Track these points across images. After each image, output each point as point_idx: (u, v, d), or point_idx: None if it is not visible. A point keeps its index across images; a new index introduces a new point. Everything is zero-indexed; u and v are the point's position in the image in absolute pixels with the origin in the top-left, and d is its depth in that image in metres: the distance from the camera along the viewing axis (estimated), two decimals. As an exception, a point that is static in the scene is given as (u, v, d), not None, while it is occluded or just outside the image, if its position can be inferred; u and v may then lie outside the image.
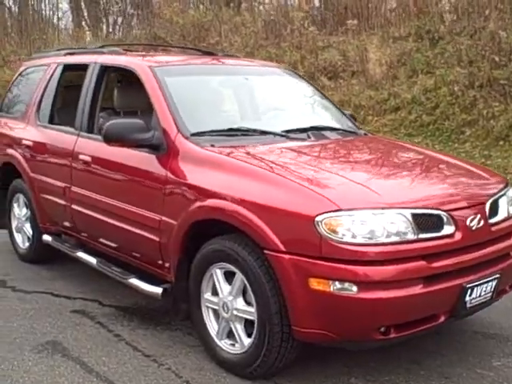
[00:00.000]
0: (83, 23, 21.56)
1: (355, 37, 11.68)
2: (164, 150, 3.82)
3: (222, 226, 3.40)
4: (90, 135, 4.57)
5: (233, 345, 3.46)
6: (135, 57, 4.64)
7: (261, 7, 14.70)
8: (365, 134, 4.58)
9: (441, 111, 9.28)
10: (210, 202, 3.41)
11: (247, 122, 4.23)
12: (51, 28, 19.44)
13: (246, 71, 4.77)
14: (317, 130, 4.17)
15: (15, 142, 5.42)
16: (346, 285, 2.94)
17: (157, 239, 3.82)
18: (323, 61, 11.25)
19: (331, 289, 2.96)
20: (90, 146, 4.49)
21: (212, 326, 3.56)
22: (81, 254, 4.68)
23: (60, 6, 21.85)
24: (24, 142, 5.26)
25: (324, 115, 4.67)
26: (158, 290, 3.87)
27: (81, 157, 4.51)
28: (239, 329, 3.39)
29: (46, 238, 5.10)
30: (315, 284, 2.98)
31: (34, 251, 5.38)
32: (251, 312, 3.29)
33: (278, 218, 3.10)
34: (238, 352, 3.40)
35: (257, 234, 3.14)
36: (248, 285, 3.27)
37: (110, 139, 3.90)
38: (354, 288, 2.94)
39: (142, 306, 4.50)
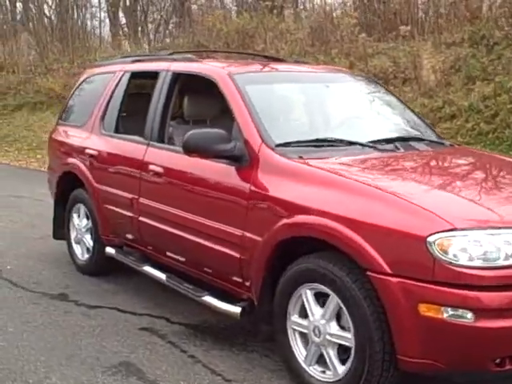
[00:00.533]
0: (120, 32, 21.66)
1: (406, 43, 11.39)
2: (246, 161, 3.62)
3: (313, 243, 3.17)
4: (162, 145, 4.40)
5: (323, 372, 3.22)
6: (212, 64, 4.45)
7: (305, 13, 14.42)
8: (450, 145, 4.31)
9: (501, 119, 8.93)
10: (303, 217, 3.18)
11: (331, 132, 3.99)
12: (92, 36, 19.57)
13: (323, 78, 4.55)
14: (403, 141, 3.92)
15: (77, 152, 5.27)
16: (460, 312, 2.69)
17: (237, 255, 3.61)
18: (373, 67, 10.98)
19: (443, 315, 2.71)
20: (162, 157, 4.31)
21: (299, 351, 3.32)
22: (148, 269, 4.50)
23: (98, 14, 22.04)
24: (88, 151, 5.10)
25: (407, 124, 4.40)
26: (237, 309, 3.67)
27: (151, 167, 4.33)
28: (332, 355, 3.15)
29: (110, 250, 4.93)
30: (425, 310, 2.73)
31: (95, 263, 5.22)
32: (347, 338, 3.05)
33: (382, 237, 2.86)
34: (331, 380, 3.15)
35: (358, 254, 2.90)
36: (344, 308, 3.02)
37: (191, 150, 3.72)
38: (470, 315, 2.68)
39: (213, 325, 4.27)
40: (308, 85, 4.41)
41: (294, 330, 3.33)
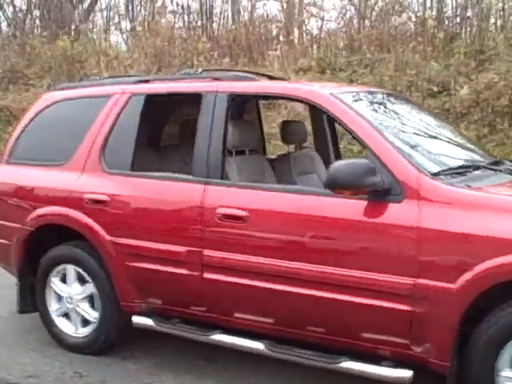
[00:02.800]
0: None
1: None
2: (398, 195, 3.05)
3: None
4: (234, 183, 3.61)
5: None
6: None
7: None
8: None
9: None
10: None
11: (457, 156, 3.59)
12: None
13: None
14: (499, 163, 3.66)
15: (66, 198, 4.08)
16: None
17: (406, 309, 2.99)
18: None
19: None
20: (241, 197, 3.50)
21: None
22: (222, 337, 3.60)
23: None
24: (89, 196, 3.97)
25: (472, 147, 4.12)
26: (406, 373, 3.05)
27: (222, 211, 3.48)
28: None
29: (141, 320, 3.88)
30: None
31: (105, 338, 4.08)
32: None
33: None
34: None
35: None
36: None
37: (340, 186, 3.06)
38: None
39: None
40: (399, 105, 3.95)
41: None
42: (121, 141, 4.00)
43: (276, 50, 11.06)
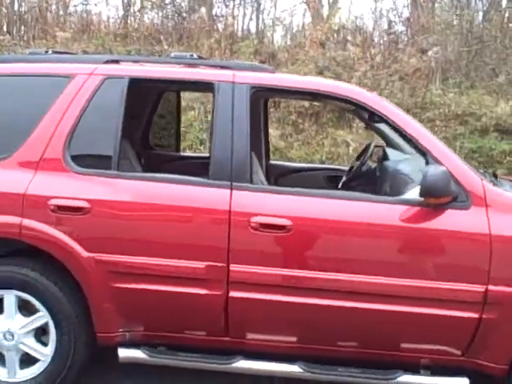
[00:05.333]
0: None
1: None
2: (465, 201, 3.05)
3: None
4: (271, 187, 3.22)
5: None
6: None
7: None
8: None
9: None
10: None
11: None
12: None
13: None
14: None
15: (15, 204, 3.13)
16: None
17: (474, 316, 3.03)
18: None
19: None
20: (282, 203, 3.11)
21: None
22: (247, 363, 3.16)
23: None
24: (55, 202, 3.11)
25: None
26: (465, 382, 3.09)
27: (257, 219, 3.06)
28: None
29: (131, 353, 3.19)
30: None
31: (61, 380, 3.24)
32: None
33: None
34: None
35: None
36: None
37: (436, 194, 2.92)
38: None
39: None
40: None
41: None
42: (96, 134, 3.22)
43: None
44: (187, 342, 3.28)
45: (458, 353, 3.13)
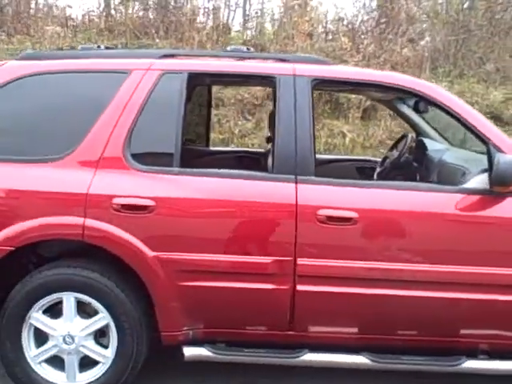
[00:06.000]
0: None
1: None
2: None
3: None
4: (336, 180, 3.18)
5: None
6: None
7: None
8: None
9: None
10: None
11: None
12: None
13: None
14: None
15: (75, 204, 3.07)
16: None
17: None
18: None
19: None
20: (347, 196, 3.12)
21: None
22: (320, 356, 3.19)
23: None
24: (119, 201, 3.06)
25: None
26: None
27: (324, 212, 3.06)
28: None
29: (197, 351, 3.17)
30: None
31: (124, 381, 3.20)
32: None
33: None
34: None
35: None
36: None
37: (507, 183, 2.98)
38: None
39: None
40: None
41: None
42: (157, 130, 3.17)
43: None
44: (248, 337, 3.27)
45: None
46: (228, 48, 3.66)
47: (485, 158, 3.44)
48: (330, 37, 10.41)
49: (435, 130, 4.43)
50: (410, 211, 3.10)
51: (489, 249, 3.12)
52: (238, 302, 3.16)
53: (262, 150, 4.67)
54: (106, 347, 3.20)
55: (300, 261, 3.08)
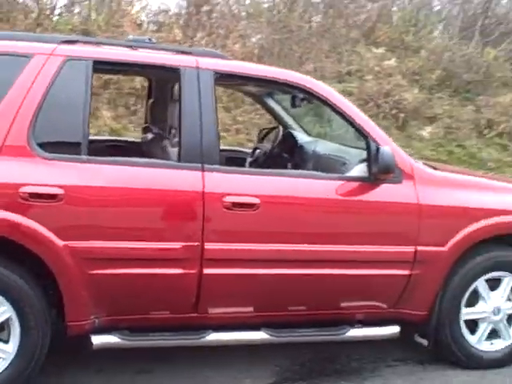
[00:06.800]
0: None
1: None
2: (398, 177, 3.54)
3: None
4: (243, 169, 3.45)
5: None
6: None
7: None
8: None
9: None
10: (500, 218, 3.73)
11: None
12: None
13: None
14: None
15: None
16: None
17: (406, 273, 3.60)
18: None
19: None
20: (251, 183, 3.35)
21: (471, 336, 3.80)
22: (224, 335, 3.39)
23: None
24: (27, 189, 2.97)
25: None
26: (395, 329, 3.68)
27: (230, 199, 3.27)
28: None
29: (105, 339, 3.20)
30: None
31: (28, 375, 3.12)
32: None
33: None
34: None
35: None
36: None
37: (391, 170, 3.40)
38: None
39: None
40: None
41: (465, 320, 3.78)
42: (63, 118, 3.11)
43: None
44: (153, 322, 3.36)
45: (388, 306, 3.65)
46: (129, 37, 3.68)
47: (351, 149, 3.88)
48: (157, 27, 10.46)
49: (297, 123, 4.84)
50: (307, 197, 3.41)
51: (368, 229, 3.54)
52: (146, 288, 3.23)
53: (137, 140, 4.69)
54: (6, 342, 3.08)
55: (207, 245, 3.24)
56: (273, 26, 10.59)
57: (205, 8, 10.88)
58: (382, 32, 11.51)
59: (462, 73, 10.72)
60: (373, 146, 3.49)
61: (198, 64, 3.36)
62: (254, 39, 9.29)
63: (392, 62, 9.94)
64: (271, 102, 4.77)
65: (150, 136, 4.33)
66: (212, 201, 3.22)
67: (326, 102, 3.59)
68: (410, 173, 3.60)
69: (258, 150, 4.65)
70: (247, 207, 3.28)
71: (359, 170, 3.56)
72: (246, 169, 3.50)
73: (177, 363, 3.61)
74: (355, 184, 3.50)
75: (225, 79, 3.59)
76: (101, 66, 3.31)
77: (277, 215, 3.37)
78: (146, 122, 4.66)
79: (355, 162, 3.65)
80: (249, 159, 4.63)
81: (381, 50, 10.33)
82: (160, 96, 4.45)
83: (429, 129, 9.30)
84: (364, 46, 10.84)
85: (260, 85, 4.07)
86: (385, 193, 3.53)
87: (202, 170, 3.24)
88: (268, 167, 4.17)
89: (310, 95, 3.63)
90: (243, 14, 11.11)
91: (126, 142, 4.73)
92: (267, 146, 4.55)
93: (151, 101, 4.44)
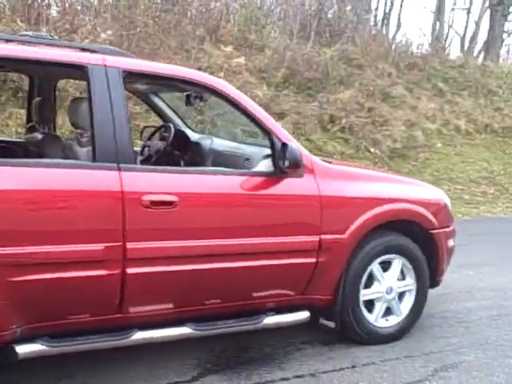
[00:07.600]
0: None
1: None
2: (301, 171, 3.75)
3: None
4: (159, 167, 3.42)
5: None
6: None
7: None
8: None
9: None
10: (390, 206, 4.07)
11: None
12: None
13: None
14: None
15: None
16: None
17: (313, 261, 3.82)
18: None
19: None
20: (168, 181, 3.36)
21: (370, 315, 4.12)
22: (144, 334, 3.35)
23: None
24: None
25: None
26: (305, 314, 3.91)
27: (148, 198, 3.23)
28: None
29: (31, 348, 3.04)
30: None
31: None
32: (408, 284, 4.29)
33: None
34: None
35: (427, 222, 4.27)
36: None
37: (297, 166, 3.59)
38: None
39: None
40: None
41: (364, 301, 4.09)
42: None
43: None
44: (75, 326, 3.23)
45: (297, 293, 3.86)
46: (29, 33, 3.47)
47: (246, 146, 4.04)
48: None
49: (182, 119, 4.89)
50: (221, 193, 3.49)
51: (276, 221, 3.70)
52: (69, 292, 3.10)
53: (20, 140, 4.45)
54: None
55: (129, 245, 3.19)
56: (119, 22, 10.43)
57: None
58: (226, 30, 11.80)
59: (303, 71, 11.32)
60: (277, 143, 3.65)
61: (106, 62, 3.28)
62: (103, 35, 9.05)
63: (241, 60, 10.23)
64: (157, 100, 4.77)
65: (39, 136, 4.13)
66: (131, 200, 3.17)
67: (229, 101, 3.67)
68: (310, 167, 3.81)
69: (147, 148, 4.62)
70: (166, 205, 3.29)
71: (264, 165, 3.70)
72: (162, 167, 3.48)
73: (98, 365, 3.51)
74: (262, 178, 3.63)
75: (133, 78, 3.54)
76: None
77: (194, 212, 3.40)
78: (29, 122, 4.43)
79: (259, 158, 3.79)
80: (139, 157, 4.58)
81: (229, 48, 10.58)
82: (47, 94, 4.28)
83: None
84: (210, 44, 11.05)
85: (166, 83, 4.06)
86: (290, 186, 3.71)
87: (119, 169, 3.19)
88: (161, 165, 4.20)
89: (216, 94, 3.68)
90: (84, 8, 10.80)
91: (6, 142, 4.45)
92: (159, 143, 4.54)
93: (38, 99, 4.23)
